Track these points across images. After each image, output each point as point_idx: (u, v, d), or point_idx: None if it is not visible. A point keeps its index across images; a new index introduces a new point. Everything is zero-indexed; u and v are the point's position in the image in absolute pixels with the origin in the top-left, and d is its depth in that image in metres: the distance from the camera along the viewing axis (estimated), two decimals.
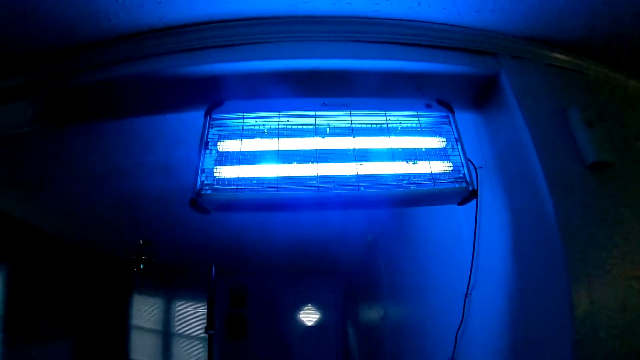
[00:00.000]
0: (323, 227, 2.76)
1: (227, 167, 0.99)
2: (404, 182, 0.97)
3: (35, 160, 1.76)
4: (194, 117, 1.23)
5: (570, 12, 1.12)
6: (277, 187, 0.93)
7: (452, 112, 1.08)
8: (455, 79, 1.13)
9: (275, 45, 1.05)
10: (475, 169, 1.21)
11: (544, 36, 1.19)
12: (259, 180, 0.95)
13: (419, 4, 1.03)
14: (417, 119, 1.04)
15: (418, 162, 1.00)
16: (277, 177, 0.94)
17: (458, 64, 1.10)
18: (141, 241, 2.65)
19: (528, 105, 1.08)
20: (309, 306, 4.60)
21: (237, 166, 0.97)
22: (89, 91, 1.20)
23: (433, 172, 0.99)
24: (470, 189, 0.99)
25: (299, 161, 0.97)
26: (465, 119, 1.27)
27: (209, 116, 1.04)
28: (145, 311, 4.13)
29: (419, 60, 1.07)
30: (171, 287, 4.20)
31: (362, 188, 0.94)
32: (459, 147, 1.03)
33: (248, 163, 0.98)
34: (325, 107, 1.01)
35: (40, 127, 1.31)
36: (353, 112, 1.01)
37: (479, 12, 1.09)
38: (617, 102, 1.24)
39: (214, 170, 0.98)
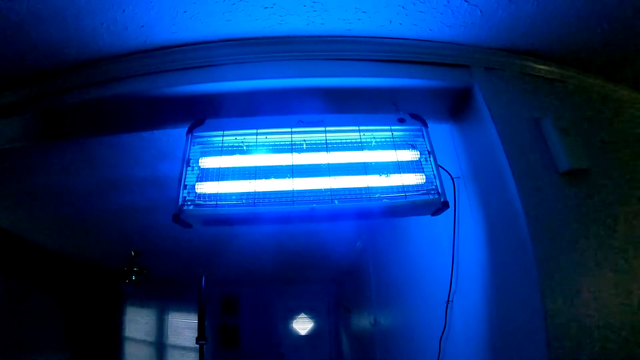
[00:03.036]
0: (314, 235, 2.79)
1: (207, 183, 1.03)
2: (377, 195, 1.00)
3: (26, 174, 1.82)
4: (181, 132, 1.28)
5: (542, 21, 1.14)
6: (254, 202, 0.97)
7: (426, 125, 1.11)
8: (429, 93, 1.16)
9: (253, 65, 1.09)
10: (452, 179, 1.24)
11: (518, 46, 1.22)
12: (237, 195, 0.99)
13: (391, 22, 1.07)
14: (390, 133, 1.07)
15: (391, 175, 1.03)
16: (255, 192, 0.98)
17: (432, 78, 1.13)
18: (132, 252, 2.69)
19: (501, 115, 1.10)
20: (302, 314, 4.62)
21: (217, 182, 1.01)
22: (77, 109, 1.25)
23: (406, 184, 1.02)
24: (442, 200, 1.01)
25: (276, 176, 1.01)
26: (443, 130, 1.30)
27: (190, 134, 1.08)
28: (138, 322, 4.15)
29: (392, 76, 1.11)
30: (163, 298, 4.23)
31: (336, 201, 0.98)
32: (432, 159, 1.06)
33: (228, 179, 1.02)
34: (301, 123, 1.05)
35: (30, 143, 1.37)
36: (328, 129, 1.05)
37: (451, 27, 1.12)
38: (592, 109, 1.26)
39: (196, 186, 1.03)
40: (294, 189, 0.98)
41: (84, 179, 1.87)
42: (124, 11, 1.07)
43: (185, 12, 1.05)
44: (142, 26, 1.11)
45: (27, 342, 2.93)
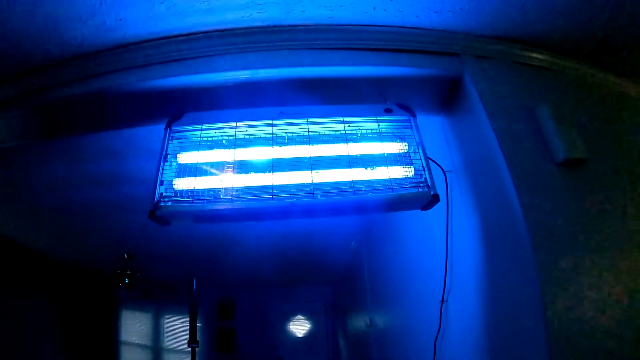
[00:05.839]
0: (309, 237, 2.73)
1: (185, 179, 0.99)
2: (362, 189, 0.95)
3: (15, 176, 1.80)
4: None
5: (534, 7, 1.09)
6: (232, 198, 0.93)
7: (414, 115, 1.06)
8: (417, 82, 1.11)
9: (232, 56, 1.05)
10: (443, 173, 1.19)
11: (510, 34, 1.17)
12: (215, 191, 0.95)
13: (374, 8, 1.03)
14: (376, 124, 1.03)
15: (377, 168, 0.98)
16: (233, 187, 0.94)
17: (419, 67, 1.08)
18: (126, 255, 2.67)
19: (493, 105, 1.05)
20: (298, 316, 4.57)
21: (194, 178, 0.97)
22: (60, 108, 1.22)
23: (393, 177, 0.97)
24: (432, 193, 0.96)
25: (256, 171, 0.97)
26: (433, 123, 1.25)
27: (169, 129, 1.04)
28: (133, 326, 4.11)
29: (378, 65, 1.06)
30: (159, 301, 4.19)
31: (318, 196, 0.93)
32: (421, 151, 1.01)
33: (206, 174, 0.98)
34: (282, 115, 1.01)
35: (15, 144, 1.34)
36: (310, 120, 1.01)
37: (438, 13, 1.07)
38: (589, 98, 1.20)
39: (174, 182, 0.99)
40: (274, 183, 0.94)
41: (74, 180, 1.84)
42: (101, 4, 1.04)
43: (161, 2, 1.02)
44: (121, 19, 1.08)
45: (23, 347, 2.90)
